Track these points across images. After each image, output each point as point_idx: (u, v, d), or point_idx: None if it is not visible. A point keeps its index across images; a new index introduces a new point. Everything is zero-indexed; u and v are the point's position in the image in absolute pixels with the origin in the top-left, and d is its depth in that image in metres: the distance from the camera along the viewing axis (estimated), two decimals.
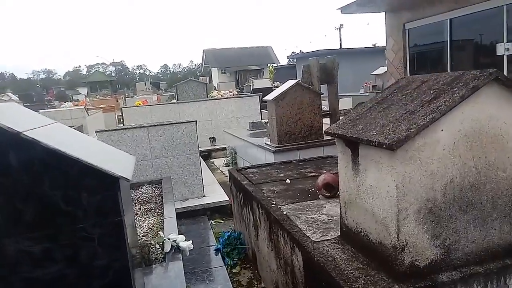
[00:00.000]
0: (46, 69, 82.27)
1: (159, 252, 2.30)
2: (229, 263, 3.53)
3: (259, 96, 9.52)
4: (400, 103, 1.87)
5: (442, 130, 1.59)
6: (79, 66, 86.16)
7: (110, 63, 65.53)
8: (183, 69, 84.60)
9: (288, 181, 3.54)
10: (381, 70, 15.57)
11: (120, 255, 1.51)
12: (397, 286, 1.61)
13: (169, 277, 2.02)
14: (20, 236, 1.41)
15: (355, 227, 1.97)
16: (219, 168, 7.59)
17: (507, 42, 4.23)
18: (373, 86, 15.10)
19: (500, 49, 4.15)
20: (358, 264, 1.84)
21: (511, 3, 4.09)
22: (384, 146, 1.58)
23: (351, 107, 12.27)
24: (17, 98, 20.80)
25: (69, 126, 8.65)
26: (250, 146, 6.24)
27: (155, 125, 4.87)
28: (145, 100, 15.93)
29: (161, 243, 2.25)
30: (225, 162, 7.63)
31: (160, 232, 2.40)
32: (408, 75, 5.53)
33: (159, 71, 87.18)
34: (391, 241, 1.66)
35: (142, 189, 3.88)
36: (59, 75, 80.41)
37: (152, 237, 2.54)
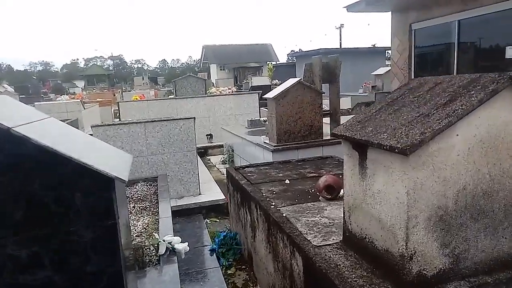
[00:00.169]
0: (43, 61, 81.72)
1: (153, 254, 2.21)
2: (224, 264, 3.44)
3: (258, 94, 9.42)
4: (412, 105, 1.79)
5: (457, 135, 1.51)
6: (77, 59, 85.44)
7: (108, 57, 65.16)
8: (182, 64, 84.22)
9: (287, 181, 3.45)
10: (381, 70, 15.52)
11: (113, 261, 1.42)
12: None
13: (164, 281, 1.93)
14: (6, 239, 1.32)
15: (359, 233, 1.89)
16: (215, 166, 7.50)
17: None
18: (372, 86, 15.02)
19: (510, 52, 4.08)
20: (362, 272, 1.76)
21: None
22: (396, 150, 1.49)
23: (350, 107, 12.22)
24: (13, 90, 20.57)
25: (65, 120, 8.49)
26: (248, 144, 6.15)
27: (152, 121, 4.77)
28: (143, 95, 15.79)
29: (155, 245, 2.16)
30: (221, 159, 7.54)
31: (155, 234, 2.31)
32: (413, 76, 5.46)
33: (157, 66, 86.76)
34: (399, 249, 1.58)
35: (137, 187, 3.78)
36: (56, 68, 79.79)
37: (147, 238, 2.45)
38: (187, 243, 2.26)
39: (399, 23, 5.57)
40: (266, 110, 9.76)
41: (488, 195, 1.62)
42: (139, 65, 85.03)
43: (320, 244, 2.07)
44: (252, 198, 3.07)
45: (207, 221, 4.48)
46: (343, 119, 5.89)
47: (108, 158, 1.57)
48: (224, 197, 4.81)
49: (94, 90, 30.84)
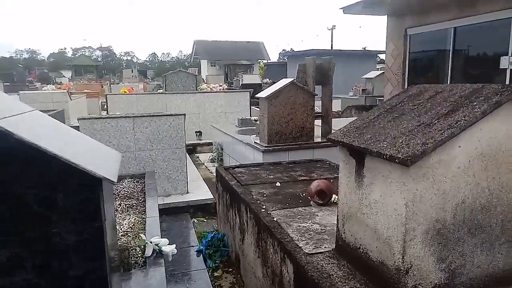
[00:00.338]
0: (29, 48, 79.97)
1: (139, 255, 2.13)
2: (210, 266, 3.38)
3: (250, 92, 9.35)
4: (412, 114, 1.75)
5: (459, 146, 1.47)
6: (65, 48, 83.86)
7: (97, 48, 64.16)
8: (172, 58, 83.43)
9: (278, 184, 3.40)
10: (372, 74, 15.59)
11: (98, 265, 1.35)
12: None
13: (150, 285, 1.86)
14: None
15: (353, 242, 1.85)
16: (204, 164, 7.41)
17: (511, 56, 4.18)
18: (363, 89, 15.09)
19: (504, 62, 4.10)
20: (356, 283, 1.72)
21: None
22: (396, 160, 1.45)
23: (340, 110, 12.24)
24: None
25: (51, 110, 8.28)
26: (238, 143, 6.08)
27: (141, 116, 4.66)
28: (131, 88, 15.54)
29: (142, 247, 2.08)
30: (210, 157, 7.45)
31: (142, 234, 2.23)
32: (407, 81, 5.46)
33: (147, 59, 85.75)
34: (395, 262, 1.54)
35: (124, 183, 3.68)
36: (43, 56, 78.14)
37: (133, 238, 2.37)
38: (174, 245, 2.19)
39: (394, 28, 5.57)
40: (257, 109, 9.72)
41: (486, 210, 1.59)
42: (129, 58, 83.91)
43: (312, 252, 2.02)
44: (242, 200, 3.01)
45: (194, 221, 4.40)
46: (334, 122, 5.88)
47: (96, 156, 1.48)
48: (212, 197, 4.74)
49: (81, 81, 30.32)
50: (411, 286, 1.53)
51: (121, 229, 2.58)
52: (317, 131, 5.54)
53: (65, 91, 11.83)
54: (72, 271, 1.33)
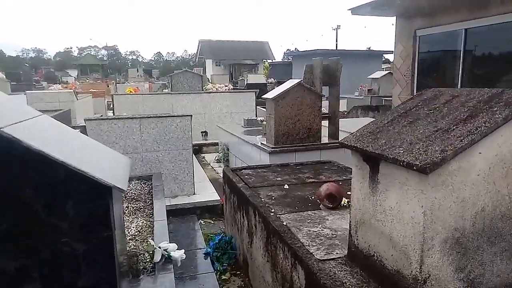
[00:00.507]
0: (36, 48, 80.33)
1: (148, 260, 2.10)
2: (218, 269, 3.35)
3: (255, 93, 9.31)
4: (428, 119, 1.70)
5: (480, 153, 1.43)
6: (71, 48, 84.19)
7: (102, 47, 64.35)
8: (177, 58, 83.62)
9: (286, 186, 3.36)
10: (378, 74, 15.51)
11: (108, 275, 1.31)
12: None
13: None
14: None
15: (366, 250, 1.80)
16: (210, 164, 7.38)
17: None
18: (368, 89, 15.01)
19: None
20: None
21: None
22: (414, 167, 1.40)
23: (346, 110, 12.17)
24: (4, 76, 20.16)
25: (57, 110, 8.28)
26: (244, 144, 6.05)
27: (148, 117, 4.64)
28: (137, 87, 15.57)
29: (151, 252, 2.05)
30: (216, 158, 7.42)
31: (150, 240, 2.20)
32: (416, 83, 5.39)
33: (152, 59, 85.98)
34: (412, 271, 1.50)
35: (131, 185, 3.66)
36: (49, 55, 78.59)
37: (141, 243, 2.34)
38: (183, 250, 2.15)
39: (403, 29, 5.49)
40: (263, 109, 9.68)
41: (507, 218, 1.54)
42: (134, 57, 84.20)
43: (324, 258, 1.98)
44: (250, 203, 2.97)
45: (201, 222, 4.37)
46: (340, 122, 5.82)
47: (105, 163, 1.45)
48: (219, 198, 4.71)
49: (87, 80, 30.44)
50: None
51: (129, 232, 2.55)
52: (324, 132, 5.49)
53: (72, 90, 11.85)
54: (81, 281, 1.30)
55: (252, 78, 20.01)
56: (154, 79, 36.13)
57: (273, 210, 2.73)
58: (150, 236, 2.42)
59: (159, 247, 2.07)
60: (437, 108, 1.76)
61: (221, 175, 6.18)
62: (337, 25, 37.81)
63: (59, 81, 27.42)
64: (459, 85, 4.76)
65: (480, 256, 1.53)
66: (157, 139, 4.65)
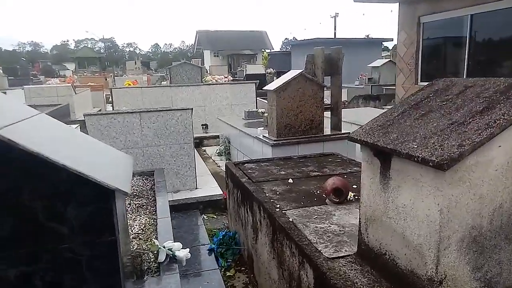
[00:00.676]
0: (32, 41, 79.75)
1: (152, 260, 2.05)
2: (223, 265, 3.31)
3: (255, 84, 9.21)
4: (441, 111, 1.63)
5: (500, 146, 1.36)
6: (67, 41, 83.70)
7: (99, 39, 63.76)
8: (174, 49, 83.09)
9: (290, 180, 3.31)
10: (378, 62, 15.38)
11: (112, 281, 1.26)
12: None
13: None
14: None
15: (377, 248, 1.75)
16: (211, 157, 7.32)
17: None
18: (369, 78, 14.89)
19: None
20: None
21: None
22: (430, 163, 1.34)
23: (346, 99, 12.07)
24: (1, 71, 19.99)
25: (56, 105, 8.18)
26: (245, 137, 5.98)
27: (148, 111, 4.56)
28: (135, 80, 15.44)
29: (155, 252, 2.00)
30: (217, 151, 7.36)
31: (154, 239, 2.14)
32: (420, 72, 5.30)
33: (150, 50, 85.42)
34: (427, 272, 1.44)
35: (133, 181, 3.59)
36: (46, 49, 78.06)
37: (144, 241, 2.29)
38: (188, 250, 2.10)
39: (406, 16, 5.37)
40: (263, 100, 9.59)
41: None
42: (131, 49, 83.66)
43: (333, 256, 1.93)
44: (254, 198, 2.92)
45: (204, 217, 4.33)
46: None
47: (107, 164, 1.39)
48: (221, 192, 4.66)
49: (85, 74, 30.23)
50: None
51: (132, 231, 2.50)
52: (326, 123, 5.43)
53: (70, 85, 11.74)
54: (85, 287, 1.25)
55: (251, 69, 19.87)
56: (152, 71, 35.96)
57: (278, 206, 2.68)
58: (154, 235, 2.37)
59: (164, 247, 2.02)
60: (450, 100, 1.69)
61: (223, 168, 6.15)
62: (336, 13, 37.38)
63: (57, 75, 27.24)
64: (464, 73, 4.68)
65: (498, 254, 1.48)
66: (158, 134, 4.58)
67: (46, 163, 1.12)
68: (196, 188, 4.84)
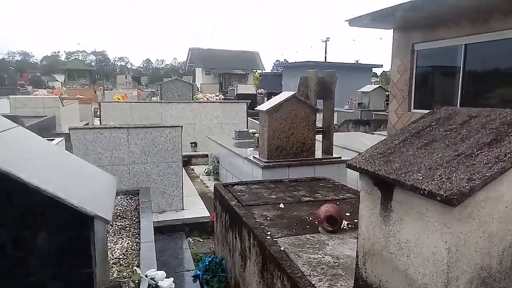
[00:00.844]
0: (22, 51, 79.00)
1: None
2: None
3: (247, 104, 9.17)
4: (445, 141, 1.56)
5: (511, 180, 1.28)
6: (58, 52, 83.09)
7: (91, 52, 63.73)
8: (166, 65, 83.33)
9: (282, 205, 3.19)
10: (368, 88, 15.58)
11: None
12: None
13: None
14: None
15: (376, 285, 1.64)
16: (199, 177, 7.16)
17: None
18: (359, 103, 15.03)
19: None
20: None
21: None
22: (438, 198, 1.25)
23: (337, 123, 12.11)
24: None
25: (42, 116, 7.95)
26: (235, 157, 5.87)
27: (136, 127, 4.43)
28: (125, 95, 15.27)
29: (136, 282, 1.85)
30: (206, 170, 7.21)
31: (136, 268, 1.99)
32: (413, 99, 5.32)
33: (141, 65, 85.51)
34: None
35: (116, 200, 3.44)
36: (35, 59, 77.39)
37: (126, 267, 2.13)
38: (172, 279, 1.95)
39: (401, 43, 5.43)
40: (254, 120, 9.53)
41: None
42: (123, 63, 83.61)
43: None
44: (244, 223, 2.79)
45: (189, 240, 4.16)
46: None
47: (87, 186, 1.26)
48: (209, 214, 4.50)
49: (74, 86, 29.94)
50: None
51: (112, 255, 2.34)
52: (317, 146, 5.36)
53: (57, 96, 11.53)
54: None
55: (242, 88, 19.93)
56: (143, 86, 35.85)
57: (269, 233, 2.55)
58: (136, 261, 2.22)
59: (146, 276, 1.87)
60: (455, 129, 1.62)
61: (211, 189, 5.99)
62: (327, 37, 38.12)
63: (45, 86, 26.92)
64: (458, 102, 4.70)
65: None
66: (146, 151, 4.44)
67: (15, 184, 0.99)
68: (183, 209, 4.68)
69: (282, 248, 2.30)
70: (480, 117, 1.62)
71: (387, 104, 15.19)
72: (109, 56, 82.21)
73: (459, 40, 4.62)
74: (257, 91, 21.92)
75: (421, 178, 1.38)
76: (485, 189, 1.26)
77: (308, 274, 1.98)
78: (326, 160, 5.18)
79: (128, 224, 2.92)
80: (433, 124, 1.78)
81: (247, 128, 8.20)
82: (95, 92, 21.33)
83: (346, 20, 5.55)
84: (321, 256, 2.21)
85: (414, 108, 5.33)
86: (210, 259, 3.30)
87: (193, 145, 8.56)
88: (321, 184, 3.98)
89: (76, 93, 17.89)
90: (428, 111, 1.91)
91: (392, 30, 5.51)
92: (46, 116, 9.56)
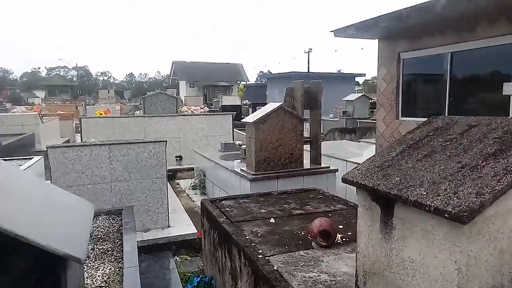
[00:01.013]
0: (1, 68, 77.45)
1: None
2: None
3: (232, 115, 9.06)
4: (446, 152, 1.48)
5: None
6: (39, 68, 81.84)
7: (72, 67, 62.80)
8: (149, 79, 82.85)
9: (272, 220, 3.07)
10: (352, 96, 15.70)
11: None
12: None
13: None
14: None
15: None
16: (185, 191, 6.98)
17: None
18: (343, 112, 15.11)
19: (508, 89, 3.97)
20: None
21: None
22: (446, 215, 1.15)
23: (323, 132, 12.09)
24: None
25: (20, 134, 7.69)
26: (222, 170, 5.73)
27: (119, 143, 4.26)
28: (107, 109, 15.00)
29: None
30: (192, 184, 7.04)
31: None
32: (401, 107, 5.31)
33: (124, 79, 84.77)
34: None
35: (98, 221, 3.26)
36: (15, 75, 75.96)
37: None
38: None
39: (386, 52, 5.44)
40: (240, 132, 9.42)
41: None
42: (105, 78, 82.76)
43: None
44: (234, 241, 2.66)
45: (177, 259, 3.98)
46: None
47: (59, 219, 1.12)
48: (196, 231, 4.34)
49: (55, 102, 29.37)
50: None
51: (93, 283, 2.17)
52: (305, 156, 5.28)
53: (36, 113, 11.21)
54: None
55: (227, 100, 19.82)
56: (126, 100, 35.47)
57: (260, 251, 2.43)
58: (119, 287, 2.06)
59: None
60: (455, 139, 1.55)
61: (198, 203, 5.83)
62: (309, 49, 38.48)
63: (25, 102, 26.32)
64: (446, 110, 4.71)
65: None
66: (128, 168, 4.27)
67: None
68: (169, 226, 4.50)
69: (275, 267, 2.18)
70: (481, 126, 1.55)
71: (372, 111, 15.41)
72: (91, 71, 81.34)
73: (445, 48, 4.64)
74: (242, 102, 21.89)
75: (425, 193, 1.29)
76: (495, 203, 1.18)
77: None
78: (314, 170, 5.09)
79: (110, 247, 2.74)
80: (430, 134, 1.70)
81: (233, 140, 8.08)
82: (77, 108, 20.93)
83: (331, 31, 5.55)
84: (316, 275, 2.09)
85: (402, 116, 5.33)
86: (198, 279, 3.15)
87: (178, 158, 8.38)
88: (311, 196, 3.88)
89: (57, 109, 17.50)
90: (416, 119, 1.86)
91: (377, 40, 5.52)
92: (24, 133, 9.27)
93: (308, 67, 40.44)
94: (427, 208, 1.23)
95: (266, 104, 5.75)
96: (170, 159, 7.91)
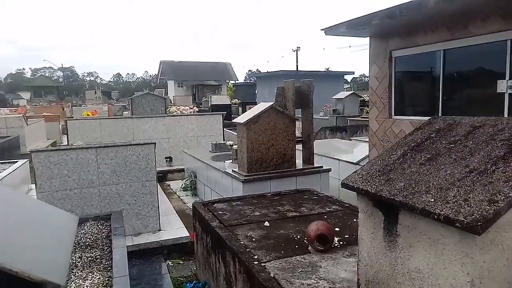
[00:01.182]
0: None
1: None
2: None
3: (222, 115, 8.95)
4: (452, 155, 1.41)
5: None
6: (23, 69, 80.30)
7: (58, 68, 61.81)
8: (137, 79, 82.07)
9: (267, 223, 2.99)
10: (342, 94, 15.70)
11: None
12: None
13: None
14: None
15: None
16: (175, 193, 6.86)
17: (509, 80, 4.04)
18: (333, 110, 15.11)
19: (502, 86, 3.95)
20: None
21: None
22: (458, 224, 1.08)
23: (314, 131, 12.05)
24: None
25: (3, 137, 7.48)
26: (213, 171, 5.63)
27: (106, 146, 4.13)
28: (94, 110, 14.74)
29: None
30: (182, 185, 6.92)
31: None
32: (394, 105, 5.28)
33: (111, 80, 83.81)
34: None
35: (85, 227, 3.13)
36: None
37: None
38: None
39: (378, 50, 5.39)
40: (230, 132, 9.32)
41: None
42: (92, 78, 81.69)
43: None
44: (228, 247, 2.57)
45: (169, 263, 3.87)
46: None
47: (35, 238, 1.02)
48: (188, 234, 4.24)
49: (41, 103, 28.83)
50: None
51: None
52: (297, 156, 5.21)
53: (21, 115, 10.94)
54: None
55: (216, 99, 19.67)
56: (114, 100, 35.02)
57: (256, 257, 2.35)
58: None
59: None
60: (459, 142, 1.48)
61: (189, 205, 5.73)
62: (297, 47, 38.51)
63: (9, 104, 25.78)
64: (440, 108, 4.68)
65: None
66: (117, 171, 4.14)
67: None
68: (160, 230, 4.39)
69: (271, 275, 2.10)
70: (486, 127, 1.48)
71: (361, 109, 15.45)
72: (77, 72, 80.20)
73: (437, 46, 4.61)
74: (232, 101, 21.76)
75: (432, 200, 1.22)
76: (510, 211, 1.11)
77: None
78: (307, 170, 5.03)
79: (99, 255, 2.63)
80: (432, 136, 1.63)
81: (224, 140, 7.98)
82: (63, 109, 20.57)
83: (322, 29, 5.49)
84: (315, 282, 2.02)
85: (395, 115, 5.29)
86: (192, 285, 3.05)
87: (168, 160, 8.24)
88: (306, 197, 3.81)
89: (43, 111, 17.13)
90: (409, 117, 1.79)
91: (368, 37, 5.47)
92: (9, 136, 9.04)
93: (297, 65, 40.47)
94: (436, 217, 1.16)
95: (256, 103, 5.66)
96: (160, 160, 7.78)
